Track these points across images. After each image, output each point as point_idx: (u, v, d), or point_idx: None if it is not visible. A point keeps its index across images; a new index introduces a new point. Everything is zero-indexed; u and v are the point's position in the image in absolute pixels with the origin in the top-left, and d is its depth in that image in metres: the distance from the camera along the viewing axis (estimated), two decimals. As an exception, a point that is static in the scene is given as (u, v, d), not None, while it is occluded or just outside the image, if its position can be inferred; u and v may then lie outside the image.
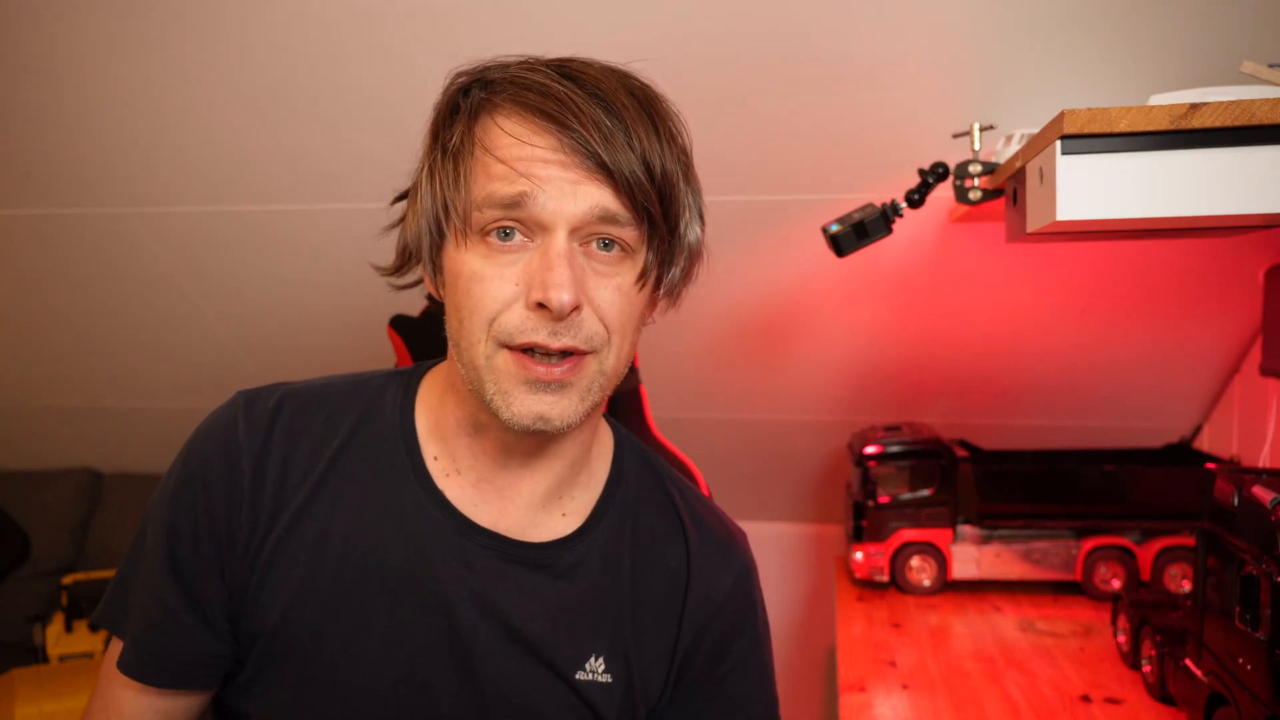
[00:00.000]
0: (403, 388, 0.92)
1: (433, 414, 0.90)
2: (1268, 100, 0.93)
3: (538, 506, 0.90)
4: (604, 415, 0.98)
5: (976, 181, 1.30)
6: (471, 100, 0.81)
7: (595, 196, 0.77)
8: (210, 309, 2.04)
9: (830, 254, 1.35)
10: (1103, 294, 1.74)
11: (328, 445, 0.87)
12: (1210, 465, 1.70)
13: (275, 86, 1.57)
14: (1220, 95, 0.96)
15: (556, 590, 0.89)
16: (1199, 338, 1.78)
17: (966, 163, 1.31)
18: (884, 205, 1.32)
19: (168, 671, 0.86)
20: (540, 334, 0.77)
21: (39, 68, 1.59)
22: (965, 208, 1.38)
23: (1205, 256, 1.65)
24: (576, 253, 0.78)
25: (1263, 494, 1.04)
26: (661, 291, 0.87)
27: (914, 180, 1.33)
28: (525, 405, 0.79)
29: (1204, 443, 1.92)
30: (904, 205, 1.33)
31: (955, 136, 1.35)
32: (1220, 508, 1.12)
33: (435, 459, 0.88)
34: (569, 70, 0.80)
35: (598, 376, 0.81)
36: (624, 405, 1.33)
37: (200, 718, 0.91)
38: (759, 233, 1.72)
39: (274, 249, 1.87)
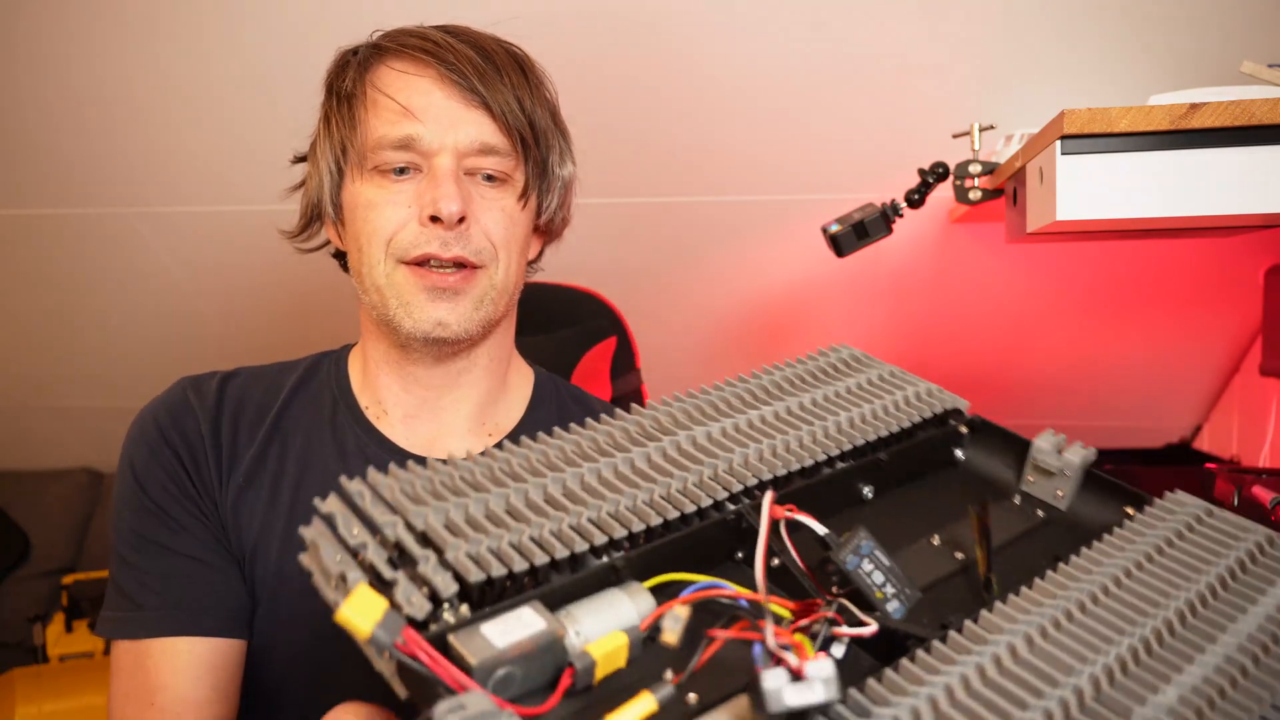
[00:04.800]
0: (334, 356, 1.01)
1: (359, 366, 0.98)
2: (1268, 100, 0.94)
3: (465, 431, 0.96)
4: (536, 367, 1.05)
5: (976, 181, 1.30)
6: (360, 56, 0.91)
7: (475, 129, 0.87)
8: (210, 309, 2.04)
9: (830, 254, 1.35)
10: (1103, 294, 1.74)
11: (271, 405, 0.95)
12: (1210, 465, 1.70)
13: (276, 87, 1.57)
14: (1220, 95, 0.97)
15: None
16: (1199, 338, 1.79)
17: (966, 163, 1.31)
18: (884, 205, 1.32)
19: (203, 613, 0.86)
20: (433, 245, 0.85)
21: (40, 69, 1.59)
22: (965, 208, 1.38)
23: (1205, 256, 1.65)
24: (463, 179, 0.87)
25: (1263, 494, 1.04)
26: (542, 221, 0.96)
27: (914, 180, 1.33)
28: (425, 312, 0.87)
29: (1204, 443, 1.92)
30: (904, 205, 1.33)
31: (955, 136, 1.35)
32: (1220, 508, 1.12)
33: (367, 407, 0.96)
34: (447, 28, 0.91)
35: (489, 289, 0.90)
36: (626, 405, 1.33)
37: (237, 682, 0.89)
38: (759, 233, 1.72)
39: (274, 249, 1.87)
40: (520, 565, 0.49)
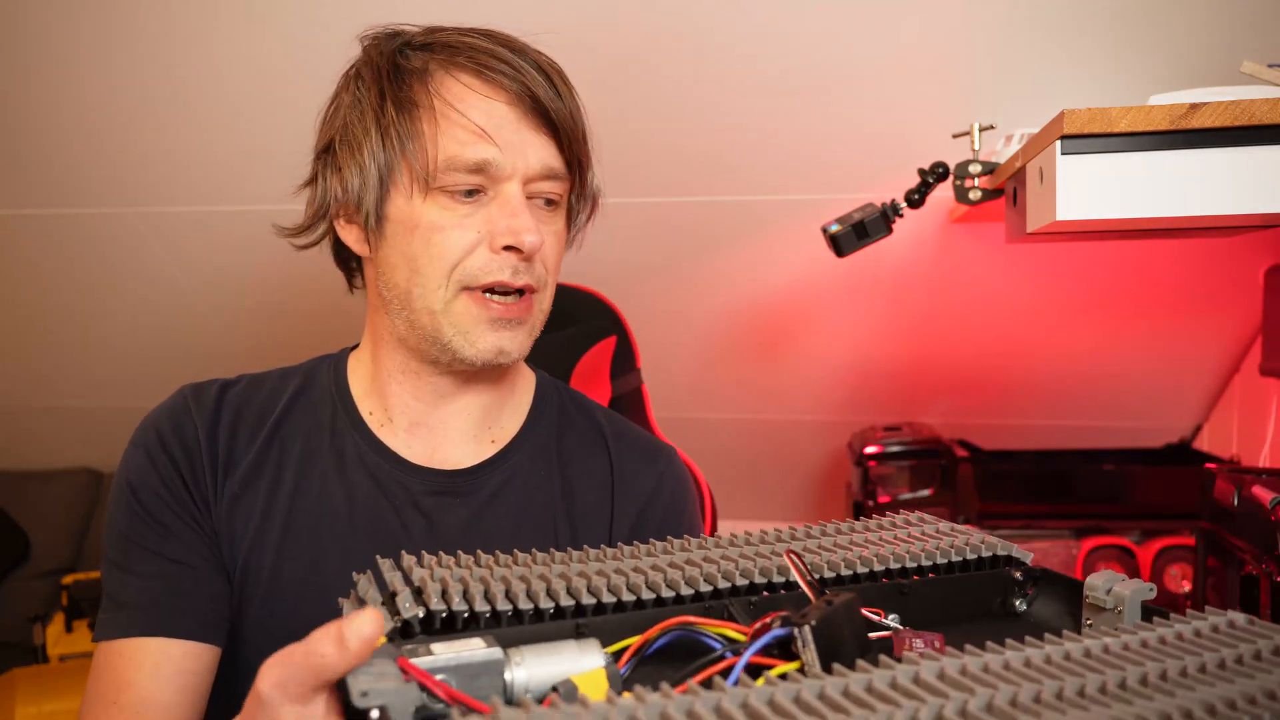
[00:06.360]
0: (332, 361, 0.99)
1: (364, 372, 0.96)
2: (1267, 100, 0.94)
3: (468, 439, 0.96)
4: (538, 370, 1.06)
5: (976, 181, 1.30)
6: (413, 61, 0.87)
7: (544, 154, 0.86)
8: (210, 308, 2.04)
9: (830, 254, 1.35)
10: (1103, 294, 1.74)
11: (271, 412, 0.94)
12: (1210, 465, 1.70)
13: (277, 87, 1.57)
14: (1220, 95, 0.97)
15: (493, 510, 0.94)
16: (1199, 338, 1.79)
17: (966, 163, 1.31)
18: (884, 205, 1.32)
19: (178, 615, 0.86)
20: (505, 273, 0.85)
21: (40, 71, 1.59)
22: (965, 208, 1.38)
23: (1205, 256, 1.65)
24: (528, 204, 0.86)
25: (1263, 494, 1.04)
26: (571, 235, 0.96)
27: (914, 180, 1.33)
28: (487, 341, 0.86)
29: (1204, 443, 1.92)
30: (904, 205, 1.33)
31: (955, 136, 1.35)
32: (1220, 508, 1.12)
33: (370, 414, 0.95)
34: (495, 36, 0.88)
35: (540, 314, 0.91)
36: (626, 405, 1.33)
37: (206, 688, 0.89)
38: (759, 233, 1.72)
39: (273, 249, 1.87)
40: (481, 606, 0.55)
